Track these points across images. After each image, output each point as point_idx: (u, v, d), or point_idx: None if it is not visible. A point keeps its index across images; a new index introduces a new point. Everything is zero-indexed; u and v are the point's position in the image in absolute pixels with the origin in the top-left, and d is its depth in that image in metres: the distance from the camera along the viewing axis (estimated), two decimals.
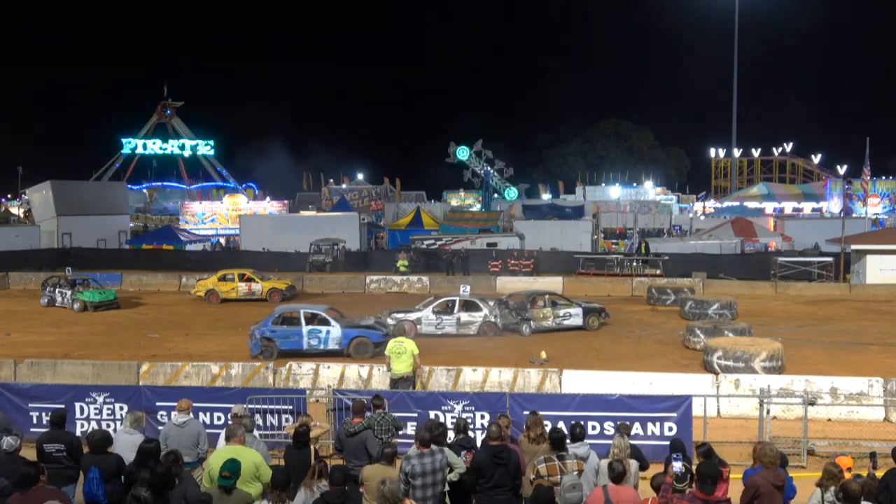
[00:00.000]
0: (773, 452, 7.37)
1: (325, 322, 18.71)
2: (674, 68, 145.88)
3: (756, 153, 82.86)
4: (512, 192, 57.47)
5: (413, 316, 20.88)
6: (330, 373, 15.27)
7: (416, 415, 11.29)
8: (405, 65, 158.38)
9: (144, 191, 70.04)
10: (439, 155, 57.67)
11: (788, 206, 62.48)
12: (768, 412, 11.39)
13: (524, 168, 57.29)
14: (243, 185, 71.96)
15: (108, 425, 11.49)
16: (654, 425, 11.18)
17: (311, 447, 8.51)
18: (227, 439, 7.93)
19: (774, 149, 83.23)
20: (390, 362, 13.75)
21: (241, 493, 6.96)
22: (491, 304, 21.69)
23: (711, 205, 68.65)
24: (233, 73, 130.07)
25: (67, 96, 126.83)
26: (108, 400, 11.99)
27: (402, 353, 13.64)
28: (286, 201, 63.32)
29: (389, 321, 20.51)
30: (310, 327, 18.64)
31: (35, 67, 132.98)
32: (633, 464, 7.96)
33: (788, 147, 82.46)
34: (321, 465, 7.44)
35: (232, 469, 6.84)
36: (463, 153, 54.73)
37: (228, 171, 74.36)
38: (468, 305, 21.39)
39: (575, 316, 22.22)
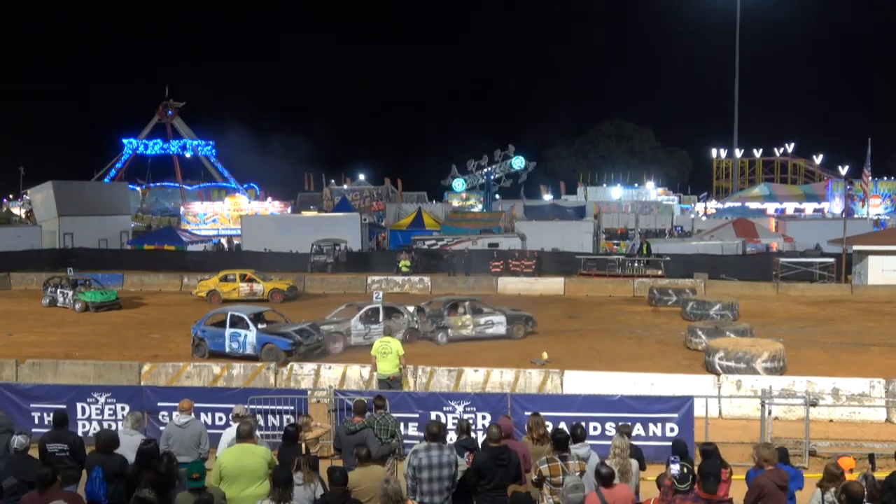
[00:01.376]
0: (769, 451, 7.38)
1: (246, 326, 18.54)
2: (675, 69, 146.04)
3: (758, 154, 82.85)
4: (519, 161, 55.02)
5: (343, 327, 19.90)
6: (331, 373, 15.29)
7: (417, 415, 11.32)
8: (406, 65, 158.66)
9: (138, 190, 69.80)
10: (440, 155, 57.60)
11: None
12: (770, 413, 11.39)
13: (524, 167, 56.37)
14: (245, 186, 71.87)
15: (110, 426, 11.50)
16: (656, 426, 11.19)
17: (303, 444, 8.50)
18: (243, 438, 7.92)
19: (776, 149, 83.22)
20: (376, 362, 13.68)
21: (213, 489, 7.08)
22: (410, 309, 21.14)
23: (713, 205, 68.60)
24: (233, 73, 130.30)
25: (68, 96, 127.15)
26: (109, 400, 12.03)
27: (388, 353, 13.57)
28: (288, 202, 63.25)
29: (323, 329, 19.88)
30: (232, 330, 18.56)
31: (35, 67, 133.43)
32: (634, 463, 7.96)
33: (790, 148, 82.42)
34: (300, 460, 7.47)
35: (200, 470, 6.98)
36: (459, 184, 54.17)
37: (229, 172, 74.34)
38: (391, 312, 20.53)
39: (498, 324, 21.19)
